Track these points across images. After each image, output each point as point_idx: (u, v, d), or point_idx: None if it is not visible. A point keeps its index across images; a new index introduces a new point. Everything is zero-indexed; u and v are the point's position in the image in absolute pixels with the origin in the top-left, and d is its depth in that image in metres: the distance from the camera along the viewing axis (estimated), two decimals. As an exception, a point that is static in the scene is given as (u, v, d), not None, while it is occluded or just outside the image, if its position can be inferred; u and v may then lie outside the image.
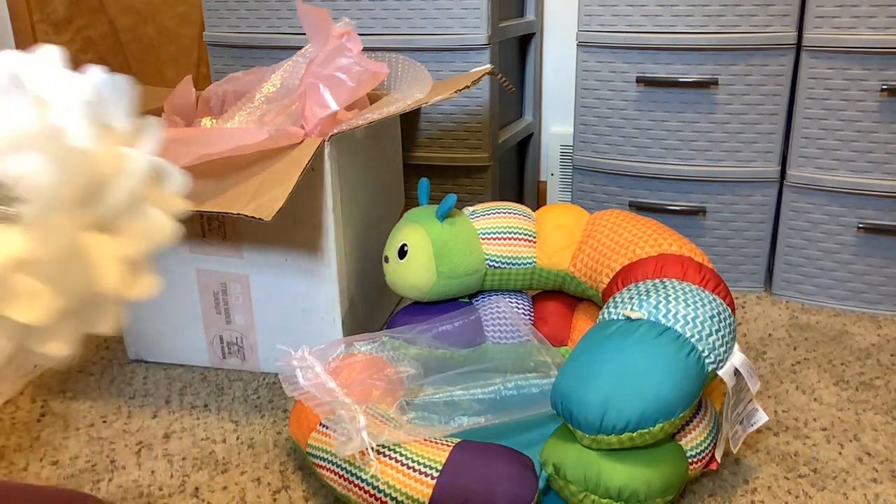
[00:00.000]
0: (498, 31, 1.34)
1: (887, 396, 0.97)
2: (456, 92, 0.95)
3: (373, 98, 1.14)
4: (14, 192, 0.24)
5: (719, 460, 0.77)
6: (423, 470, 0.70)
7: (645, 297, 0.77)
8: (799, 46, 1.16)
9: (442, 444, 0.73)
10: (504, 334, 0.99)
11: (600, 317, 0.80)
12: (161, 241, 0.25)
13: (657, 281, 0.81)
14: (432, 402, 0.84)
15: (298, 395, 0.80)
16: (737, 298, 1.28)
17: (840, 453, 0.86)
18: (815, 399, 0.97)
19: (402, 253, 0.99)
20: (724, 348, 0.74)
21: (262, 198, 0.81)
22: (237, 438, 0.90)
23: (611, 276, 0.89)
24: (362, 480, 0.72)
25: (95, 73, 0.27)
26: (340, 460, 0.73)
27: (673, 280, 0.80)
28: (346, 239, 0.99)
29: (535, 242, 1.00)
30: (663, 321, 0.74)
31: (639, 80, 1.25)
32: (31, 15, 2.19)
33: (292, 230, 0.96)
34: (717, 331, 0.74)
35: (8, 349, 0.23)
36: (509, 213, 1.02)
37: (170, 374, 1.05)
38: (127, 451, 0.88)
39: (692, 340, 0.72)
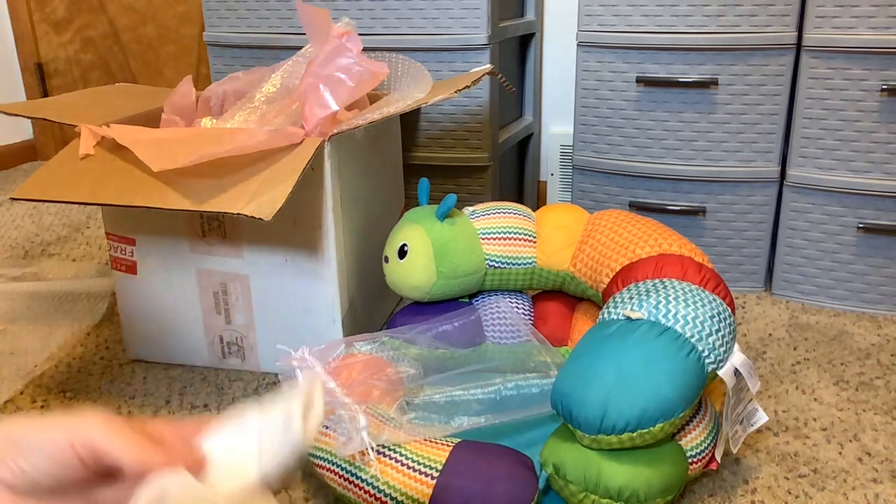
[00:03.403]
0: (498, 31, 1.34)
1: (887, 396, 0.97)
2: (456, 92, 0.95)
3: (373, 98, 1.14)
4: None
5: (719, 460, 0.77)
6: (423, 470, 0.70)
7: (645, 297, 0.77)
8: (799, 46, 1.16)
9: (442, 444, 0.73)
10: (504, 334, 0.99)
11: (600, 317, 0.80)
12: None
13: (657, 281, 0.81)
14: (432, 402, 0.84)
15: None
16: (737, 298, 1.28)
17: (840, 453, 0.86)
18: (815, 399, 0.97)
19: (402, 253, 0.99)
20: (724, 348, 0.74)
21: (262, 197, 0.81)
22: (237, 438, 0.90)
23: (611, 276, 0.89)
24: (362, 480, 0.72)
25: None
26: (340, 460, 0.73)
27: (673, 280, 0.80)
28: (346, 239, 0.99)
29: (535, 242, 1.00)
30: (663, 321, 0.74)
31: (639, 80, 1.25)
32: (31, 15, 2.19)
33: (292, 230, 0.96)
34: (717, 331, 0.74)
35: None
36: (509, 213, 1.02)
37: (170, 374, 1.05)
38: (127, 451, 0.87)
39: (692, 340, 0.72)
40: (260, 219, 0.78)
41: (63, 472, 0.34)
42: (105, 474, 0.36)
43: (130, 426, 0.37)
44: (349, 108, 1.09)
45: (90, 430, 0.35)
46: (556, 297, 1.06)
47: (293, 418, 0.40)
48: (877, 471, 0.83)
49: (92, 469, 0.35)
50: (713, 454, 0.77)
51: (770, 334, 1.15)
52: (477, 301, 1.04)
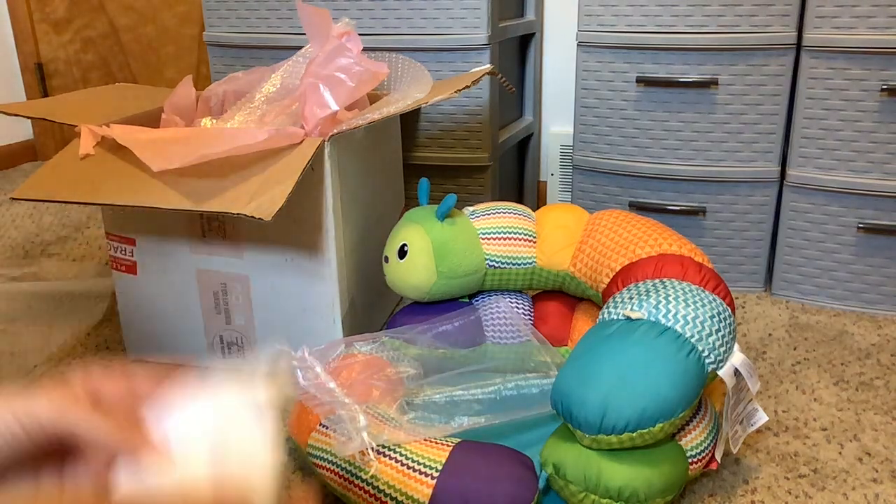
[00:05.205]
0: (498, 31, 1.34)
1: (887, 396, 0.97)
2: (456, 92, 0.95)
3: (373, 98, 1.14)
4: None
5: (719, 460, 0.77)
6: (423, 470, 0.70)
7: (645, 297, 0.77)
8: (799, 46, 1.16)
9: (442, 444, 0.73)
10: (504, 334, 0.99)
11: (600, 317, 0.80)
12: None
13: (657, 281, 0.81)
14: (432, 402, 0.84)
15: (298, 395, 0.80)
16: (737, 298, 1.28)
17: (840, 453, 0.86)
18: (815, 399, 0.97)
19: (402, 253, 0.99)
20: (724, 348, 0.74)
21: (262, 197, 0.81)
22: (237, 438, 0.89)
23: (611, 277, 0.89)
24: (362, 480, 0.72)
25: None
26: (340, 460, 0.73)
27: (673, 280, 0.80)
28: (346, 239, 0.99)
29: (535, 242, 1.00)
30: (663, 321, 0.74)
31: (639, 80, 1.25)
32: (31, 15, 2.19)
33: (292, 230, 0.96)
34: (717, 331, 0.74)
35: None
36: (509, 213, 1.02)
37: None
38: (127, 451, 0.87)
39: (692, 340, 0.72)
40: (260, 219, 0.78)
41: (5, 444, 0.34)
42: (57, 450, 0.36)
43: (78, 394, 0.37)
44: (349, 108, 1.09)
45: (33, 404, 0.35)
46: (556, 297, 1.05)
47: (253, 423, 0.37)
48: (877, 471, 0.83)
49: (37, 442, 0.35)
50: (713, 454, 0.77)
51: (770, 334, 1.14)
52: (477, 301, 1.04)
